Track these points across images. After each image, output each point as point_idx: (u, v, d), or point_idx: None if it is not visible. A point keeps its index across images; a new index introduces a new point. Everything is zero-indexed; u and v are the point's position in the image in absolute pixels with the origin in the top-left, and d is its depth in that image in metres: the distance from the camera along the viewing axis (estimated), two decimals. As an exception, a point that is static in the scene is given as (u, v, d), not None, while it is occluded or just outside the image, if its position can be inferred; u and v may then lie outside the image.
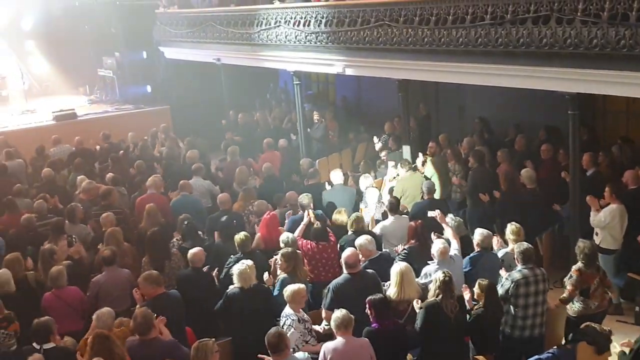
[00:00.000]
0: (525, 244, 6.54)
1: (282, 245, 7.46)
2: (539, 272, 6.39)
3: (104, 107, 18.52)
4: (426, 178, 10.09)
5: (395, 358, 5.94)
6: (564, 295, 6.65)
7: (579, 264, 6.57)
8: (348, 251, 6.73)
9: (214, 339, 5.49)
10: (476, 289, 6.29)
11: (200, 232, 8.63)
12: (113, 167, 11.76)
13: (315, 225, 7.83)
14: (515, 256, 6.48)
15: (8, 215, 9.50)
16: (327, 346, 5.59)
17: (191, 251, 7.29)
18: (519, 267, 6.40)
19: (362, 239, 7.18)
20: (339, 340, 5.58)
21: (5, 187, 10.71)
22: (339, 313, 5.61)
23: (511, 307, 6.32)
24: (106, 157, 12.74)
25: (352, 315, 5.61)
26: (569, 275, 6.66)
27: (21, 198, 10.11)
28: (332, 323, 5.63)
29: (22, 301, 6.81)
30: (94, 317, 6.13)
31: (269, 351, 5.31)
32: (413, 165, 10.51)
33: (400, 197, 9.42)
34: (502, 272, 6.67)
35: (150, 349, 5.66)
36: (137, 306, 6.48)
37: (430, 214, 7.79)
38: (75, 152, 13.19)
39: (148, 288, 6.48)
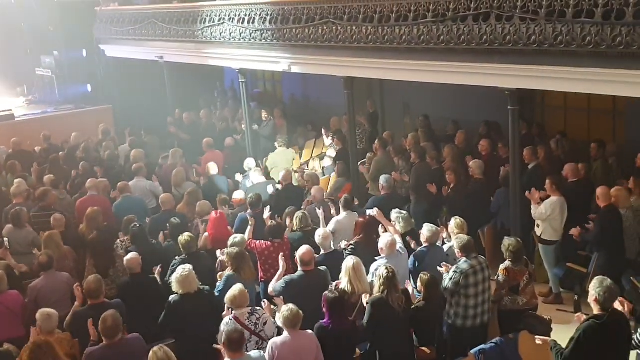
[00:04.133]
0: (464, 237, 6.65)
1: (228, 245, 7.39)
2: (482, 260, 6.57)
3: (43, 107, 17.95)
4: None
5: (345, 355, 5.98)
6: (493, 296, 6.77)
7: (507, 263, 6.69)
8: (303, 248, 6.73)
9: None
10: (419, 283, 6.39)
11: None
12: (52, 168, 11.43)
13: (270, 224, 7.77)
14: (457, 249, 6.57)
15: None
16: (275, 341, 5.59)
17: (126, 258, 7.14)
18: (463, 258, 6.49)
19: (317, 235, 7.28)
20: (285, 336, 5.60)
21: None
22: (286, 309, 5.60)
23: (462, 298, 6.42)
24: (46, 158, 12.40)
25: (300, 312, 5.61)
26: (496, 274, 6.78)
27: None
28: (280, 319, 5.63)
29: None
30: (39, 317, 5.96)
31: (225, 349, 5.25)
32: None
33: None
34: (441, 268, 6.72)
35: (119, 351, 5.57)
36: (75, 304, 6.42)
37: (369, 212, 7.84)
38: (12, 154, 12.79)
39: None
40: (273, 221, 7.96)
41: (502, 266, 6.70)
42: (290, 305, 5.64)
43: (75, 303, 6.54)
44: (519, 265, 6.66)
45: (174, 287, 6.43)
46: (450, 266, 6.60)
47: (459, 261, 6.55)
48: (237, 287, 6.10)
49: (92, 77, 18.42)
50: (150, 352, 5.15)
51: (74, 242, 8.51)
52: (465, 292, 6.40)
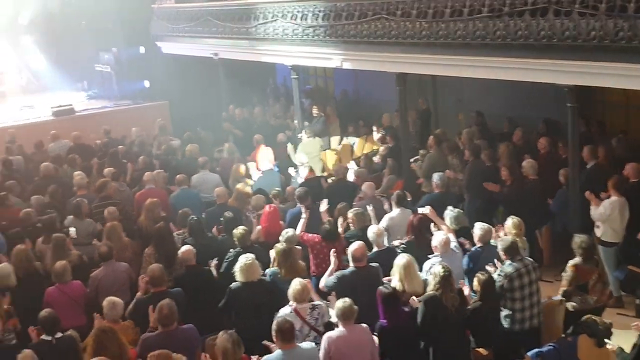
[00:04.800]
0: (508, 238, 6.58)
1: (280, 239, 7.47)
2: (528, 262, 6.44)
3: (102, 103, 18.43)
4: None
5: (410, 351, 5.96)
6: (560, 292, 6.64)
7: (577, 259, 6.55)
8: (356, 244, 6.72)
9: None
10: (475, 283, 6.30)
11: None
12: (111, 162, 11.75)
13: (325, 224, 7.72)
14: (501, 252, 6.49)
15: (1, 210, 9.47)
16: (330, 335, 5.61)
17: (181, 250, 7.29)
18: (508, 261, 6.41)
19: (370, 232, 7.24)
20: (340, 330, 5.61)
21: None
22: (341, 303, 5.62)
23: (508, 302, 6.34)
24: (105, 152, 12.75)
25: (355, 306, 5.62)
26: (564, 270, 6.64)
27: (12, 194, 10.05)
28: (335, 312, 5.65)
29: (29, 294, 6.86)
30: (105, 305, 6.16)
31: (277, 339, 5.32)
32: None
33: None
34: (489, 267, 6.66)
35: (173, 339, 5.69)
36: (138, 294, 6.52)
37: (421, 210, 7.78)
38: (73, 147, 13.17)
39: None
40: (330, 219, 7.93)
41: (570, 262, 6.58)
42: (346, 298, 5.66)
43: (138, 293, 6.69)
44: (589, 264, 6.52)
45: (237, 275, 6.55)
46: (499, 265, 6.52)
47: (504, 264, 6.47)
48: (298, 281, 6.13)
49: (150, 74, 18.79)
50: (218, 337, 5.27)
51: (133, 234, 8.74)
52: (511, 296, 6.31)
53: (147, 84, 18.72)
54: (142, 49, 18.69)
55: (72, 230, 8.38)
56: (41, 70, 21.39)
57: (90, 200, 9.53)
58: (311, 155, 12.31)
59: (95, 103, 18.58)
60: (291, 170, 11.96)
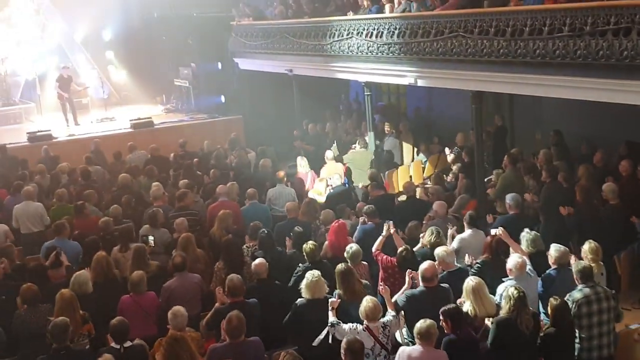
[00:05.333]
0: (583, 263, 6.35)
1: (345, 255, 7.43)
2: (600, 289, 6.17)
3: (179, 116, 19.02)
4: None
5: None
6: None
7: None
8: (426, 264, 6.61)
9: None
10: (548, 308, 6.10)
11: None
12: (186, 174, 12.03)
13: (403, 253, 7.45)
14: (575, 275, 6.26)
15: (78, 219, 9.81)
16: (403, 350, 5.56)
17: (255, 262, 7.30)
18: (580, 286, 6.17)
19: (440, 250, 7.11)
20: (416, 348, 5.55)
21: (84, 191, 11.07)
22: (423, 323, 5.55)
23: (576, 329, 6.09)
24: (181, 164, 13.08)
25: (437, 330, 5.55)
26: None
27: (91, 204, 10.40)
28: (415, 331, 5.58)
29: (105, 300, 7.05)
30: (169, 315, 6.26)
31: (346, 358, 5.29)
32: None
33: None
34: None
35: (240, 351, 5.76)
36: (216, 305, 6.62)
37: (494, 231, 7.58)
38: (151, 159, 13.56)
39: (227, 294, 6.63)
40: (408, 248, 7.75)
41: None
42: (428, 319, 5.59)
43: (217, 304, 6.75)
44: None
45: (303, 292, 6.55)
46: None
47: (575, 289, 6.22)
48: (370, 299, 6.09)
49: (226, 89, 19.26)
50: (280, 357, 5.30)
51: (204, 245, 8.90)
52: (578, 323, 6.06)
53: (222, 98, 19.16)
54: (219, 65, 19.15)
55: (151, 238, 8.58)
56: (122, 84, 22.22)
57: (165, 211, 9.76)
58: (359, 166, 12.68)
59: (172, 116, 19.19)
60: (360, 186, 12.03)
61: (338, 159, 13.11)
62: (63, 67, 18.83)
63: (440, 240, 7.77)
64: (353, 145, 14.48)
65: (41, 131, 16.52)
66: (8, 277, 7.83)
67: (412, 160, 14.42)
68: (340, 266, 6.87)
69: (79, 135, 16.86)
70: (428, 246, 7.76)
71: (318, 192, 11.56)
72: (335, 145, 14.10)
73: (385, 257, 7.62)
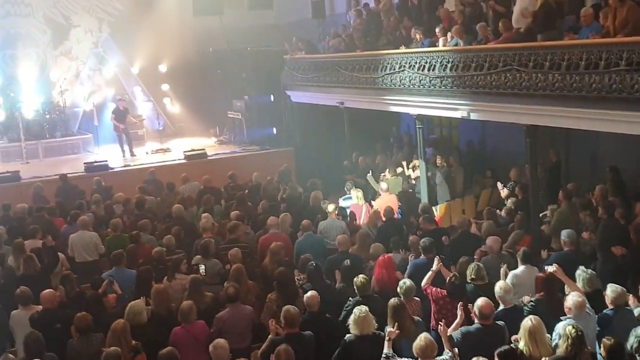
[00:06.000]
0: None
1: (398, 290, 7.35)
2: None
3: (231, 148, 19.28)
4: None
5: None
6: None
7: None
8: (483, 301, 6.50)
9: None
10: (602, 349, 5.89)
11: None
12: (238, 205, 12.16)
13: (452, 279, 7.42)
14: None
15: (133, 247, 9.96)
16: None
17: (307, 295, 7.29)
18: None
19: (498, 287, 6.99)
20: None
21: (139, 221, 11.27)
22: None
23: None
24: (232, 195, 13.22)
25: None
26: None
27: (146, 233, 10.60)
28: None
29: (159, 331, 7.13)
30: (210, 348, 6.29)
31: None
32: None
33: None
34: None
35: None
36: (269, 337, 6.63)
37: (548, 268, 7.40)
38: (203, 190, 13.75)
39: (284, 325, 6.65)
40: (457, 275, 7.72)
41: None
42: (481, 358, 5.49)
43: (270, 335, 6.76)
44: None
45: (351, 327, 6.49)
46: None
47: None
48: (424, 336, 5.98)
49: (278, 121, 19.50)
50: None
51: (255, 277, 8.94)
52: None
53: (274, 130, 19.38)
54: (272, 97, 19.43)
55: (202, 268, 8.65)
56: (177, 116, 22.73)
57: (216, 243, 9.83)
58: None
59: (225, 148, 19.46)
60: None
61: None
62: (120, 99, 19.33)
63: (482, 277, 7.66)
64: (382, 174, 14.80)
65: (98, 161, 17.00)
66: (64, 305, 8.00)
67: (464, 194, 14.25)
68: (393, 300, 6.80)
69: (135, 166, 17.26)
70: (470, 281, 7.66)
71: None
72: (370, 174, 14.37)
73: (435, 289, 7.55)
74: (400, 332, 6.47)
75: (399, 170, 15.08)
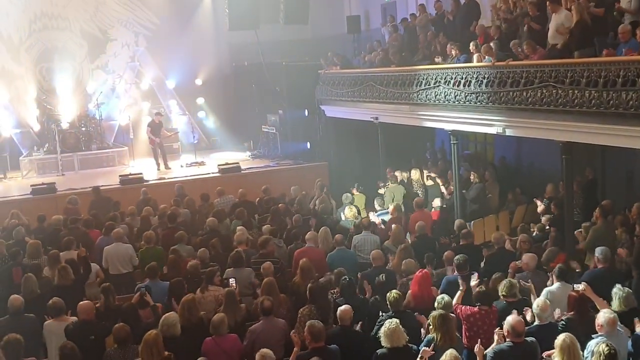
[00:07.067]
0: None
1: (436, 306, 7.34)
2: None
3: (265, 162, 19.40)
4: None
5: None
6: None
7: None
8: (516, 318, 6.47)
9: None
10: None
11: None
12: (272, 219, 12.24)
13: (480, 288, 7.51)
14: None
15: (174, 258, 9.96)
16: None
17: (340, 309, 7.30)
18: None
19: (535, 305, 6.98)
20: None
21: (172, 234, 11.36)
22: None
23: None
24: (265, 209, 13.31)
25: None
26: None
27: (183, 244, 10.69)
28: None
29: (191, 342, 7.15)
30: (257, 356, 6.31)
31: None
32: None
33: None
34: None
35: None
36: (294, 351, 6.66)
37: (577, 287, 7.31)
38: (238, 203, 13.85)
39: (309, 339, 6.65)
40: (482, 287, 7.75)
41: None
42: None
43: (295, 348, 6.80)
44: None
45: (382, 341, 6.50)
46: None
47: None
48: (450, 352, 5.96)
49: (312, 135, 19.58)
50: None
51: (286, 290, 8.97)
52: None
53: (308, 145, 19.47)
54: (306, 112, 19.55)
55: (232, 280, 8.74)
56: (211, 130, 22.99)
57: (249, 256, 9.91)
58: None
59: (259, 162, 19.60)
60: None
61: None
62: (156, 112, 19.66)
63: (514, 294, 7.62)
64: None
65: (133, 174, 17.25)
66: (100, 316, 8.04)
67: (499, 210, 14.13)
68: (436, 311, 6.86)
69: (169, 179, 17.44)
70: (502, 298, 7.62)
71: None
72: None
73: (464, 307, 7.51)
74: (448, 341, 6.53)
75: (400, 178, 15.59)
